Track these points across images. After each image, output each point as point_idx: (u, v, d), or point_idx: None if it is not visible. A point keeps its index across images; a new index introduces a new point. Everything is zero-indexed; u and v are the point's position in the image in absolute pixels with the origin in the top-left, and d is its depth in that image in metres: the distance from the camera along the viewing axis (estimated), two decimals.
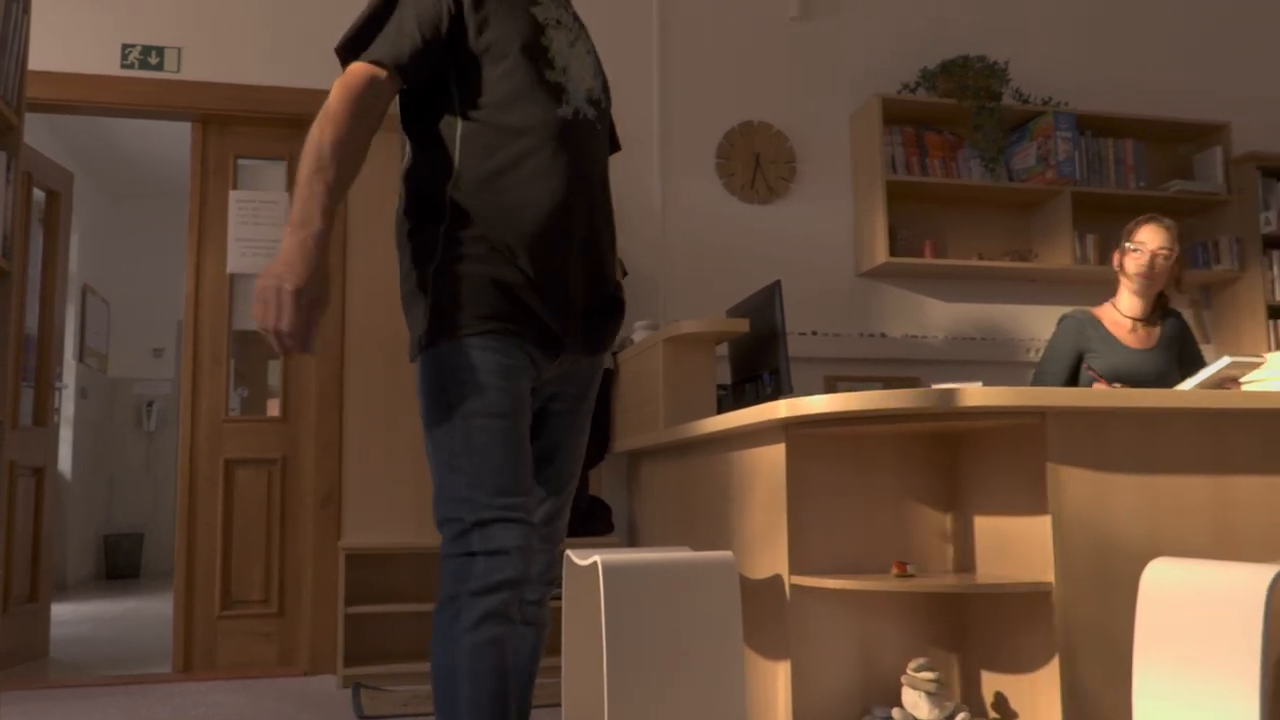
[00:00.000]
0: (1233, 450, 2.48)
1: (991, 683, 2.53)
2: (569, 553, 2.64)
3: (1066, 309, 4.33)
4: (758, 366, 3.39)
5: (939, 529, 2.69)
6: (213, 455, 4.25)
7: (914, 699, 2.43)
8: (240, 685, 3.85)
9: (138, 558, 8.44)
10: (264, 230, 4.37)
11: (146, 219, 8.88)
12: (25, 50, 2.57)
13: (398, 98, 1.87)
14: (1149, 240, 3.30)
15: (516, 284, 1.76)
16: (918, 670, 2.44)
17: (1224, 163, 4.93)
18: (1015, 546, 2.46)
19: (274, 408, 4.35)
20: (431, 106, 1.82)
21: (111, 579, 8.31)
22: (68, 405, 7.58)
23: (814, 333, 4.64)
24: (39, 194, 4.67)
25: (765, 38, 4.79)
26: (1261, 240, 4.88)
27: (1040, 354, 4.82)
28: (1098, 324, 3.36)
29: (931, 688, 2.41)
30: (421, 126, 1.84)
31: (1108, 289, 4.93)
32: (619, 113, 4.57)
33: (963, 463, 2.66)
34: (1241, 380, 2.86)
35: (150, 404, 8.78)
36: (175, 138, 7.18)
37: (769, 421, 2.51)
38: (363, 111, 1.71)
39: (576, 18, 1.97)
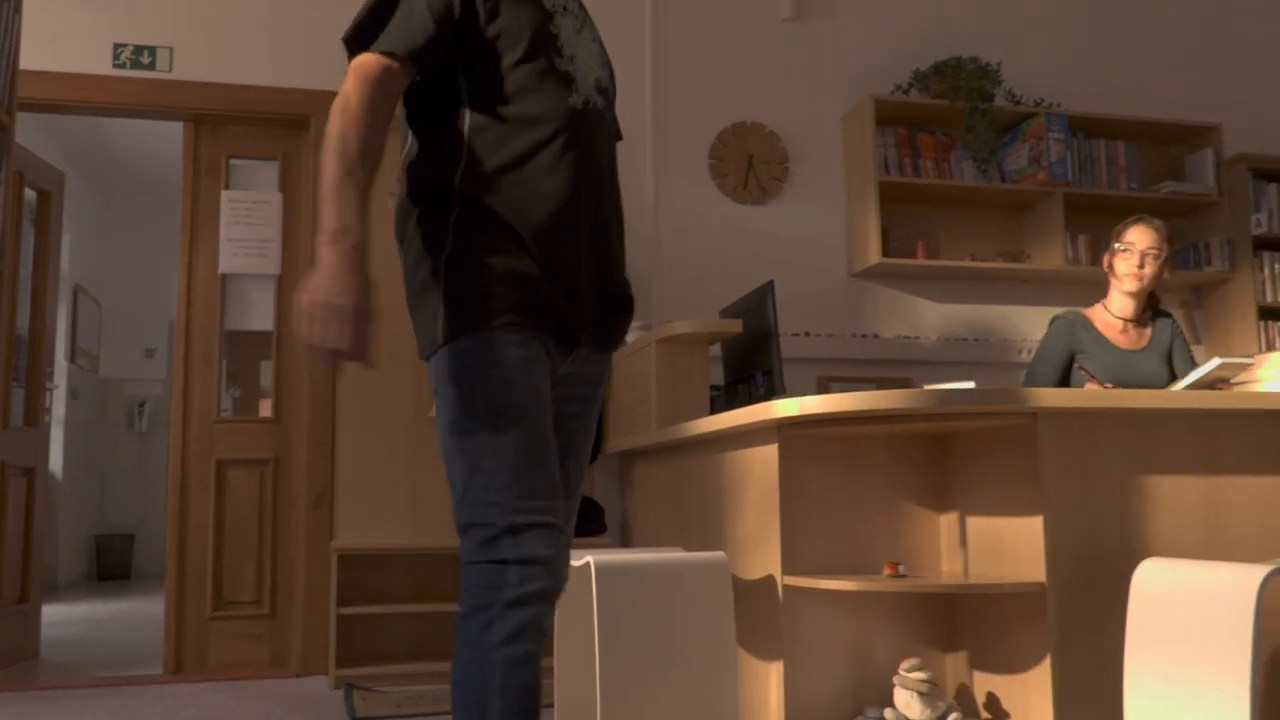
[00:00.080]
0: (1223, 451, 2.49)
1: (984, 683, 2.54)
2: None
3: (1058, 310, 4.33)
4: (751, 367, 3.39)
5: (931, 529, 2.69)
6: (204, 456, 4.24)
7: (906, 699, 2.44)
8: (232, 686, 3.85)
9: (129, 559, 8.42)
10: (256, 230, 4.36)
11: (138, 219, 8.86)
12: (17, 50, 2.57)
13: None
14: (1138, 241, 3.31)
15: (531, 276, 1.69)
16: (910, 670, 2.44)
17: (1215, 164, 4.94)
18: (1007, 547, 2.46)
19: (266, 408, 4.35)
20: (437, 96, 1.75)
21: (103, 580, 8.28)
22: (59, 405, 7.56)
23: (807, 333, 4.64)
24: (30, 194, 4.65)
25: (758, 38, 4.79)
26: (1252, 241, 4.90)
27: (1032, 355, 4.83)
28: (1089, 325, 3.37)
29: (924, 688, 2.42)
30: (426, 117, 1.77)
31: (1099, 290, 4.95)
32: None
33: (955, 463, 2.67)
34: (1232, 381, 2.87)
35: (142, 404, 8.76)
36: (167, 137, 7.17)
37: (762, 422, 2.51)
38: (383, 107, 1.65)
39: (581, 4, 1.89)
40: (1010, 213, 4.92)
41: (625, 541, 4.24)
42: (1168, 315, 3.43)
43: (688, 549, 3.19)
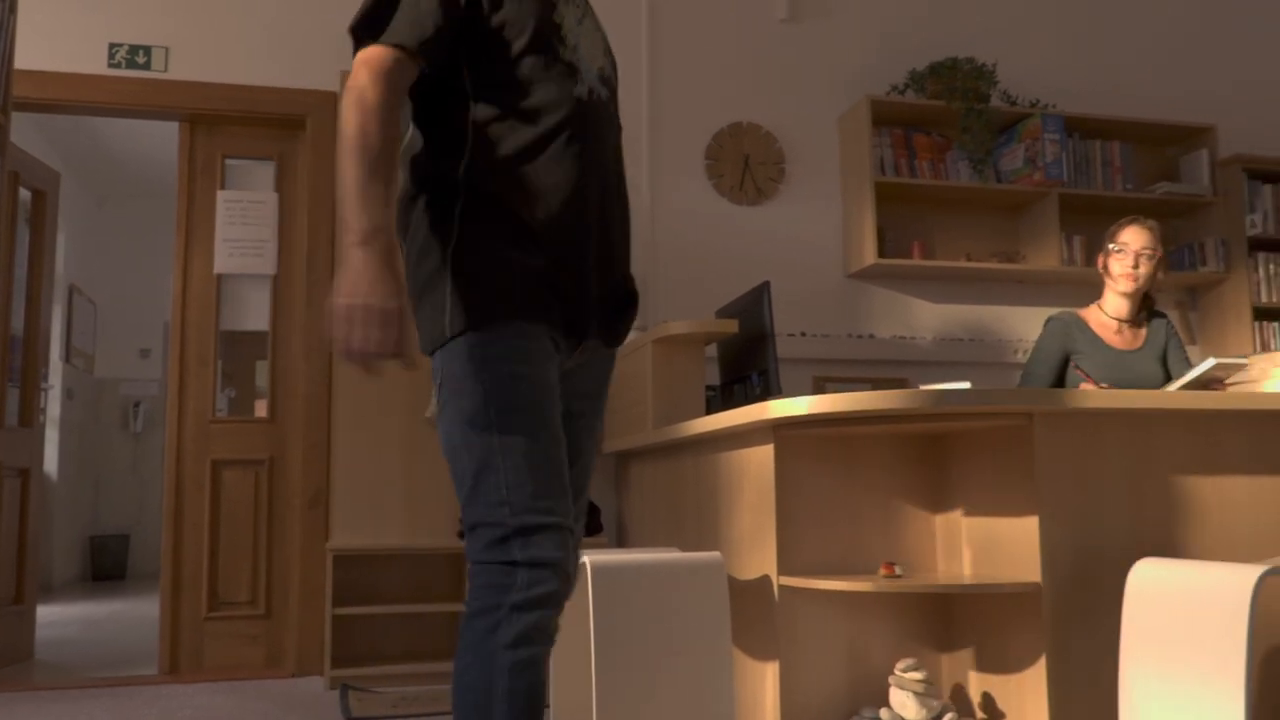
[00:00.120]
0: (1218, 451, 2.50)
1: (979, 683, 2.54)
2: None
3: (1054, 310, 4.34)
4: (746, 367, 3.39)
5: (927, 529, 2.69)
6: (200, 456, 4.24)
7: (902, 699, 2.44)
8: (227, 687, 3.84)
9: (124, 559, 8.40)
10: (252, 230, 4.35)
11: (133, 219, 8.85)
12: (11, 49, 2.56)
13: None
14: (1132, 241, 3.32)
15: (539, 268, 1.66)
16: (906, 670, 2.45)
17: (1210, 165, 4.95)
18: (1003, 547, 2.46)
19: (261, 409, 4.34)
20: (440, 86, 1.71)
21: (98, 580, 8.27)
22: (54, 406, 7.54)
23: (803, 334, 4.64)
24: (25, 193, 4.64)
25: (754, 39, 4.80)
26: (1247, 242, 4.91)
27: (1027, 355, 4.84)
28: (1084, 326, 3.37)
29: (919, 688, 2.42)
30: (428, 108, 1.73)
31: (1095, 291, 4.95)
32: None
33: (951, 464, 2.67)
34: (1227, 381, 2.87)
35: (137, 405, 8.75)
36: (163, 137, 7.16)
37: (758, 422, 2.52)
38: (399, 100, 1.60)
39: None
40: (1006, 213, 4.93)
41: (621, 542, 4.24)
42: (1163, 316, 3.44)
43: (684, 549, 3.19)
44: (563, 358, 1.73)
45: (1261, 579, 1.82)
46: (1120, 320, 3.38)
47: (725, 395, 3.64)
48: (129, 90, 4.16)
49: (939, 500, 2.70)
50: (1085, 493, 2.38)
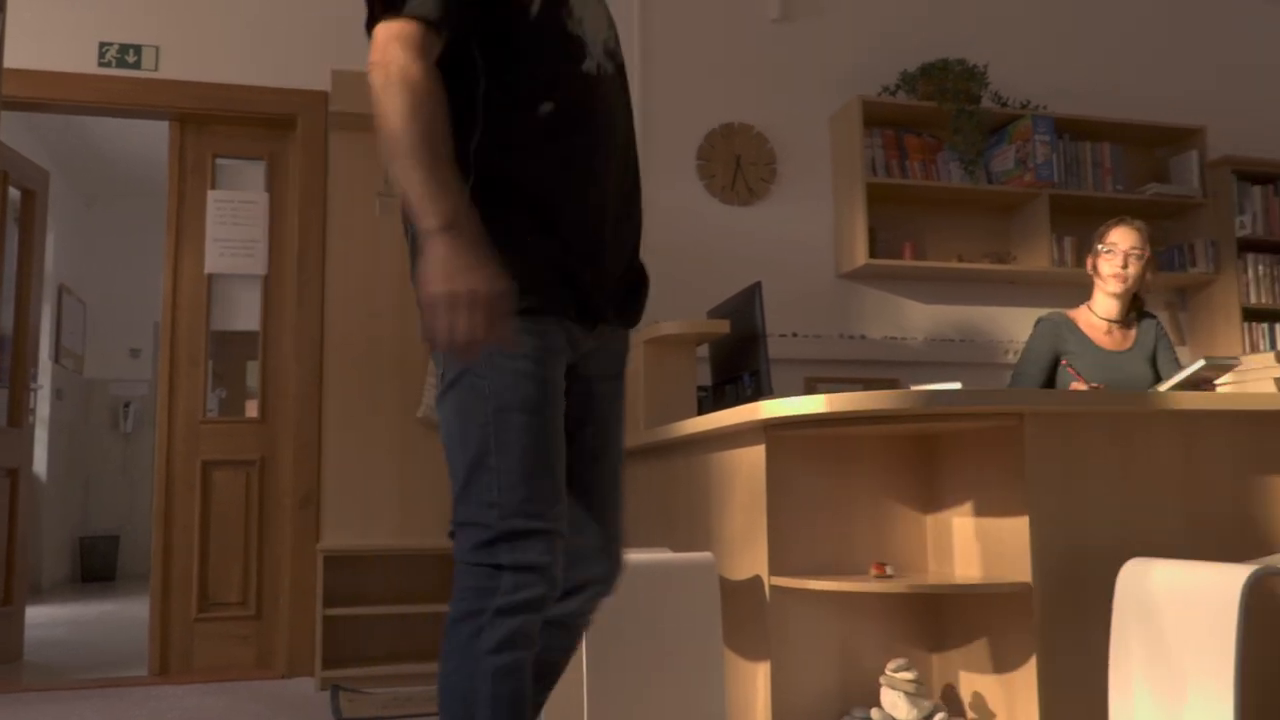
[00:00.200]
0: (1209, 451, 2.51)
1: (969, 683, 2.54)
2: None
3: (1044, 311, 4.34)
4: (738, 368, 3.40)
5: (918, 530, 2.70)
6: (190, 457, 4.22)
7: (893, 699, 2.44)
8: (217, 688, 3.83)
9: (114, 560, 8.37)
10: (242, 230, 4.34)
11: (123, 218, 8.82)
12: (0, 48, 2.55)
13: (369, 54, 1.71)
14: (1121, 241, 3.33)
15: (552, 251, 1.60)
16: (896, 670, 2.45)
17: (1200, 166, 4.97)
18: (993, 547, 2.47)
19: (252, 409, 4.33)
20: (449, 63, 1.61)
21: (87, 581, 8.24)
22: (43, 406, 7.51)
23: (794, 334, 4.65)
24: (14, 193, 4.63)
25: (746, 39, 4.80)
26: (1236, 243, 4.93)
27: (1018, 356, 4.85)
28: (1073, 326, 3.38)
29: (910, 688, 2.42)
30: None
31: (1085, 291, 4.94)
32: None
33: (941, 464, 2.68)
34: (1216, 382, 2.88)
35: (127, 405, 8.72)
36: (153, 137, 7.13)
37: (749, 423, 2.52)
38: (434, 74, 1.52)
39: None
40: (997, 214, 4.94)
41: None
42: (1152, 316, 3.45)
43: (675, 550, 3.19)
44: (577, 343, 1.67)
45: (1251, 579, 1.82)
46: (1110, 321, 3.38)
47: (717, 396, 3.64)
48: (119, 89, 4.15)
49: (930, 500, 2.70)
50: (1075, 493, 2.39)
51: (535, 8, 1.62)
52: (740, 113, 4.74)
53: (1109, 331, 3.38)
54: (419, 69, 1.49)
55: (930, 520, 2.70)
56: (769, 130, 4.75)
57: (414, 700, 3.58)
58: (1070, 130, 4.91)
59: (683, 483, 3.18)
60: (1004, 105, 4.85)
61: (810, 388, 4.62)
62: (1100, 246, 3.37)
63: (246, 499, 4.25)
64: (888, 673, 2.46)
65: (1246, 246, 5.01)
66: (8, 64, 4.11)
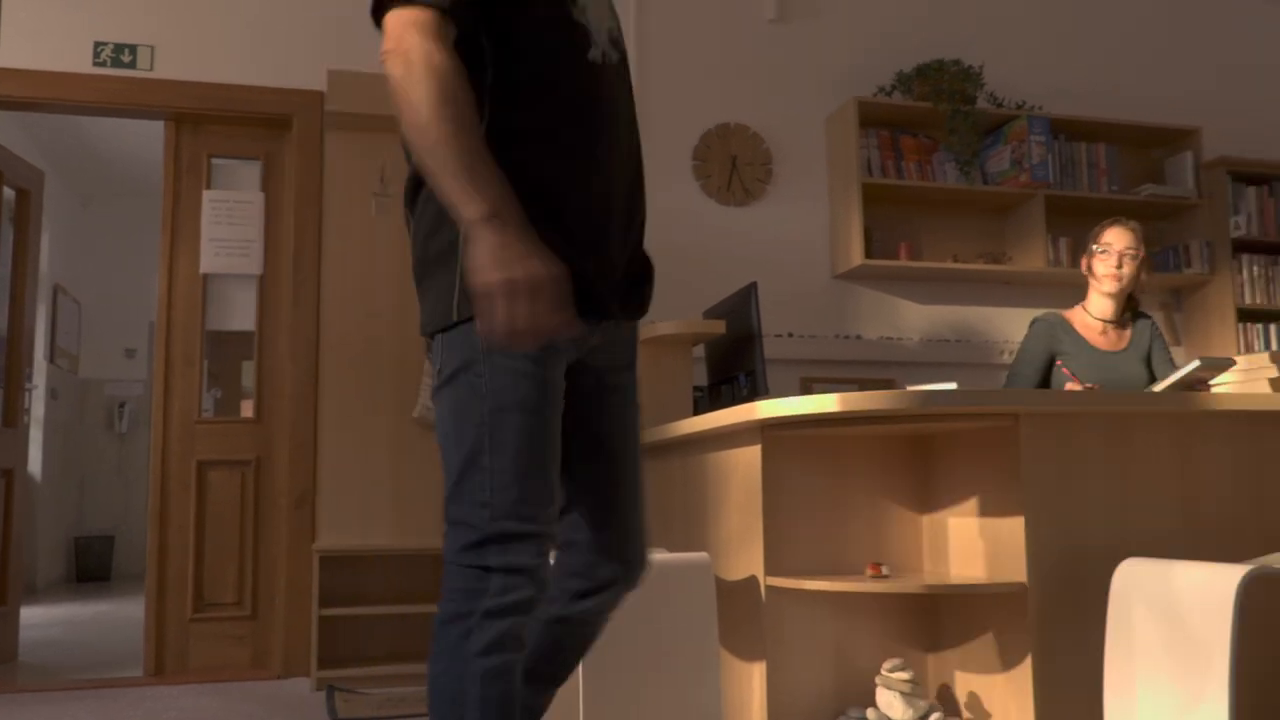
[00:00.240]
0: (1204, 451, 2.51)
1: (965, 683, 2.55)
2: None
3: (1040, 311, 4.36)
4: (734, 368, 3.40)
5: (914, 530, 2.70)
6: (185, 457, 4.22)
7: (888, 699, 2.44)
8: (212, 689, 3.83)
9: (109, 560, 8.36)
10: (238, 230, 4.34)
11: (119, 218, 8.81)
12: None
13: (382, 44, 1.60)
14: (1115, 241, 3.33)
15: (556, 246, 1.54)
16: (892, 671, 2.45)
17: (1195, 167, 4.98)
18: (989, 547, 2.47)
19: (247, 409, 4.33)
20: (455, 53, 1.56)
21: (82, 582, 8.22)
22: (38, 406, 7.50)
23: (790, 334, 4.65)
24: (9, 192, 4.62)
25: (742, 40, 4.80)
26: (1231, 244, 4.94)
27: (1013, 356, 4.86)
28: (1069, 327, 3.39)
29: (906, 688, 2.43)
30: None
31: (1080, 292, 4.96)
32: None
33: (937, 464, 2.68)
34: (1211, 382, 2.89)
35: (122, 405, 8.71)
36: (148, 136, 7.12)
37: (745, 423, 2.52)
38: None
39: None
40: (992, 215, 4.94)
41: None
42: (1147, 317, 3.45)
43: (671, 550, 3.19)
44: (582, 342, 1.65)
45: (1245, 579, 1.83)
46: (1105, 321, 3.39)
47: (713, 396, 3.64)
48: (114, 89, 4.14)
49: (925, 501, 2.71)
50: (1071, 493, 2.39)
51: (540, 1, 1.59)
52: (736, 113, 4.74)
53: (1104, 332, 3.39)
54: (441, 55, 1.45)
55: (926, 520, 2.70)
56: (765, 131, 4.76)
57: (409, 700, 3.58)
58: (1065, 131, 4.91)
59: (678, 483, 3.18)
60: (999, 106, 4.86)
61: (806, 388, 4.63)
62: (1095, 247, 3.37)
63: (242, 499, 4.24)
64: (883, 673, 2.47)
65: (1241, 247, 5.02)
66: (2, 63, 4.10)
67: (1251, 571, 1.83)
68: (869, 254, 4.59)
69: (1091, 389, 3.01)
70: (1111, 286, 3.33)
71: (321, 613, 3.88)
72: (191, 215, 4.33)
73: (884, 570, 2.49)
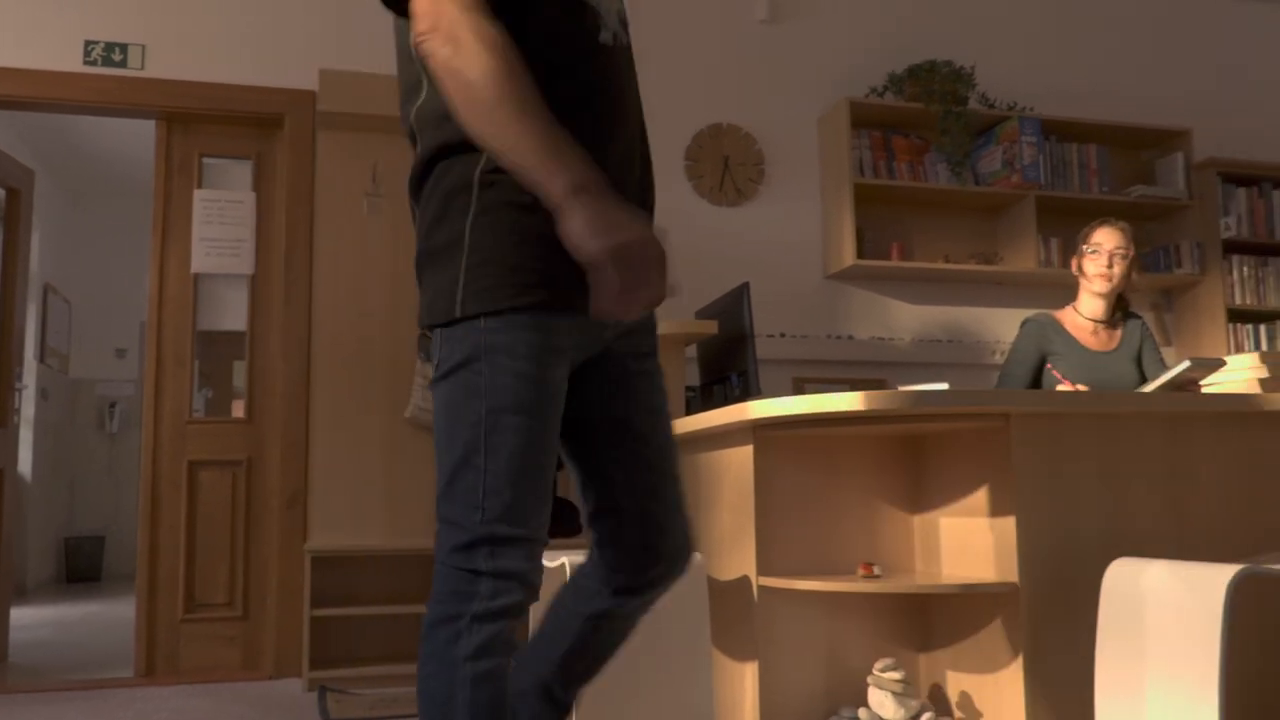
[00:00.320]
0: (1194, 451, 2.52)
1: (957, 682, 2.55)
2: None
3: (1031, 312, 4.37)
4: (726, 368, 3.40)
5: (905, 530, 2.70)
6: (176, 457, 4.21)
7: (880, 699, 2.45)
8: (204, 689, 3.82)
9: (99, 561, 8.33)
10: (229, 230, 4.33)
11: (109, 218, 8.78)
12: None
13: (413, 28, 1.55)
14: (1105, 241, 3.35)
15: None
16: (884, 670, 2.46)
17: (1185, 168, 5.00)
18: (980, 547, 2.48)
19: (238, 409, 4.32)
20: None
21: (72, 582, 8.19)
22: (28, 406, 7.47)
23: (782, 334, 4.65)
24: None
25: (734, 40, 4.80)
26: (1221, 245, 4.96)
27: (1004, 356, 4.87)
28: (1059, 327, 3.40)
29: (898, 688, 2.43)
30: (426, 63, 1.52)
31: (1071, 292, 4.99)
32: None
33: (929, 464, 2.68)
34: (1202, 382, 2.90)
35: (113, 405, 8.68)
36: (139, 136, 7.10)
37: (737, 423, 2.52)
38: None
39: None
40: (983, 215, 4.95)
41: None
42: (1137, 317, 3.47)
43: None
44: (594, 333, 1.61)
45: (1235, 578, 1.83)
46: (1095, 321, 3.40)
47: (705, 396, 3.64)
48: (105, 88, 4.13)
49: (917, 501, 2.71)
50: (1062, 493, 2.40)
51: None
52: (728, 113, 4.74)
53: (1095, 332, 3.40)
54: (491, 25, 1.36)
55: (918, 520, 2.71)
56: (757, 131, 4.76)
57: (401, 701, 3.57)
58: (1057, 132, 4.93)
59: None
60: (991, 107, 4.87)
61: (798, 388, 4.63)
62: (1085, 247, 3.38)
63: (233, 499, 4.23)
64: (875, 672, 2.47)
65: (1231, 248, 5.04)
66: None
67: (1242, 571, 1.84)
68: (861, 254, 4.60)
69: (1079, 390, 3.02)
70: (1102, 286, 3.34)
71: (313, 613, 3.88)
72: (183, 215, 4.32)
73: (876, 570, 2.49)
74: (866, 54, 4.96)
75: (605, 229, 1.32)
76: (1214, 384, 2.91)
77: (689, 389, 4.09)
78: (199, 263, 4.29)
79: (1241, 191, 5.06)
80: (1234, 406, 2.49)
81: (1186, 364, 2.72)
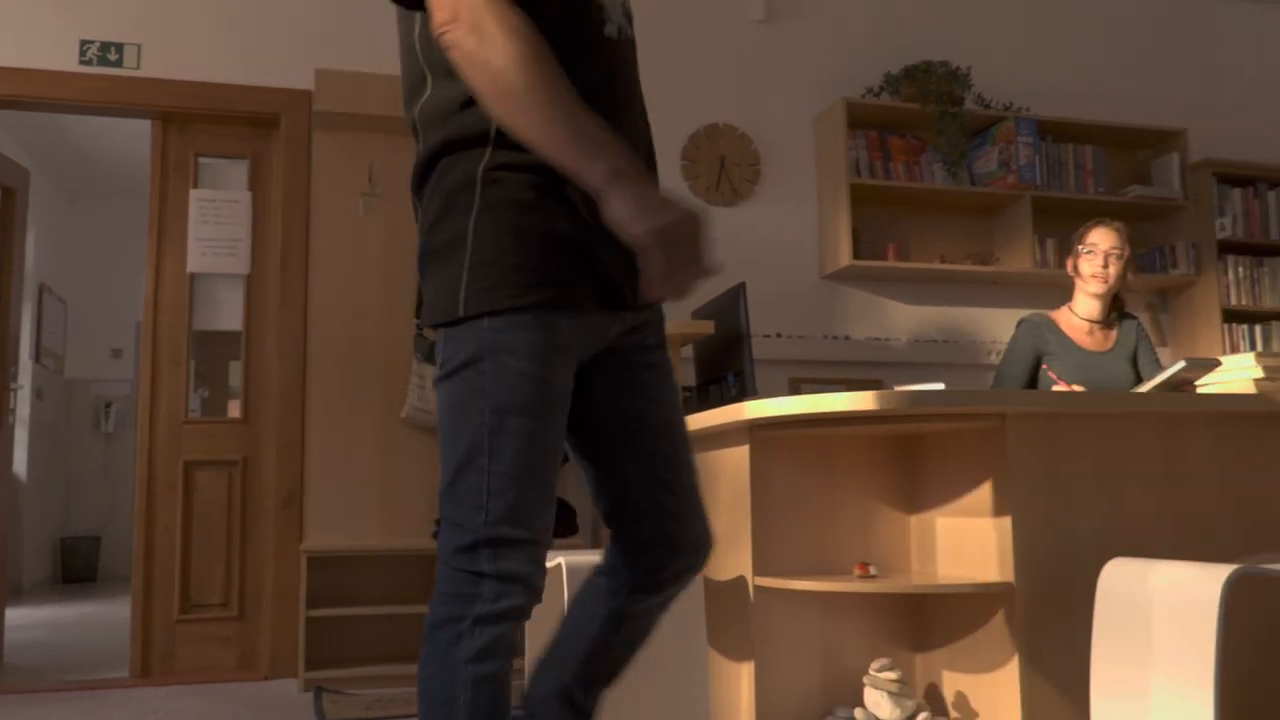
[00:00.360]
0: (1190, 451, 2.52)
1: (952, 682, 2.55)
2: None
3: (1027, 312, 4.38)
4: (722, 368, 3.40)
5: (901, 530, 2.71)
6: (172, 457, 4.20)
7: (876, 699, 2.45)
8: (199, 690, 3.81)
9: (95, 561, 8.32)
10: (225, 230, 4.32)
11: (105, 217, 8.77)
12: None
13: (417, 23, 1.55)
14: (1100, 241, 3.35)
15: (573, 232, 1.49)
16: (880, 670, 2.46)
17: (1181, 169, 5.01)
18: (976, 547, 2.48)
19: (234, 409, 4.31)
20: None
21: (68, 582, 8.18)
22: (24, 406, 7.46)
23: (778, 335, 4.66)
24: None
25: (730, 40, 4.81)
26: (1217, 245, 4.96)
27: (1000, 357, 4.87)
28: (1055, 327, 3.40)
29: (893, 688, 2.43)
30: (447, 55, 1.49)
31: (1067, 293, 4.97)
32: None
33: (925, 465, 2.69)
34: (1197, 383, 2.90)
35: (108, 405, 8.67)
36: (135, 135, 7.09)
37: (733, 423, 2.52)
38: None
39: None
40: (980, 215, 4.96)
41: (597, 543, 4.24)
42: (1133, 318, 3.47)
43: None
44: (600, 331, 1.59)
45: (1231, 579, 1.84)
46: (1091, 321, 3.40)
47: (701, 396, 3.64)
48: (100, 88, 4.13)
49: (913, 501, 2.71)
50: (1057, 493, 2.40)
51: None
52: (724, 114, 4.75)
53: (1090, 332, 3.40)
54: (514, 11, 1.35)
55: (914, 520, 2.71)
56: (753, 131, 4.76)
57: (398, 701, 3.57)
58: (1053, 132, 4.93)
59: None
60: (987, 107, 4.88)
61: (794, 388, 4.63)
62: (1080, 247, 3.39)
63: (229, 499, 4.23)
64: (871, 672, 2.47)
65: (1227, 248, 5.05)
66: None
67: (1237, 571, 1.84)
68: (857, 254, 4.60)
69: (1074, 390, 3.02)
70: (1097, 287, 3.35)
71: (309, 613, 3.87)
72: (178, 214, 4.31)
73: (872, 570, 2.50)
74: (863, 54, 4.96)
75: (649, 211, 1.32)
76: (1209, 384, 2.91)
77: (685, 389, 4.09)
78: (195, 263, 4.29)
79: (1237, 192, 5.07)
80: (1229, 407, 2.49)
81: (1182, 364, 2.72)
